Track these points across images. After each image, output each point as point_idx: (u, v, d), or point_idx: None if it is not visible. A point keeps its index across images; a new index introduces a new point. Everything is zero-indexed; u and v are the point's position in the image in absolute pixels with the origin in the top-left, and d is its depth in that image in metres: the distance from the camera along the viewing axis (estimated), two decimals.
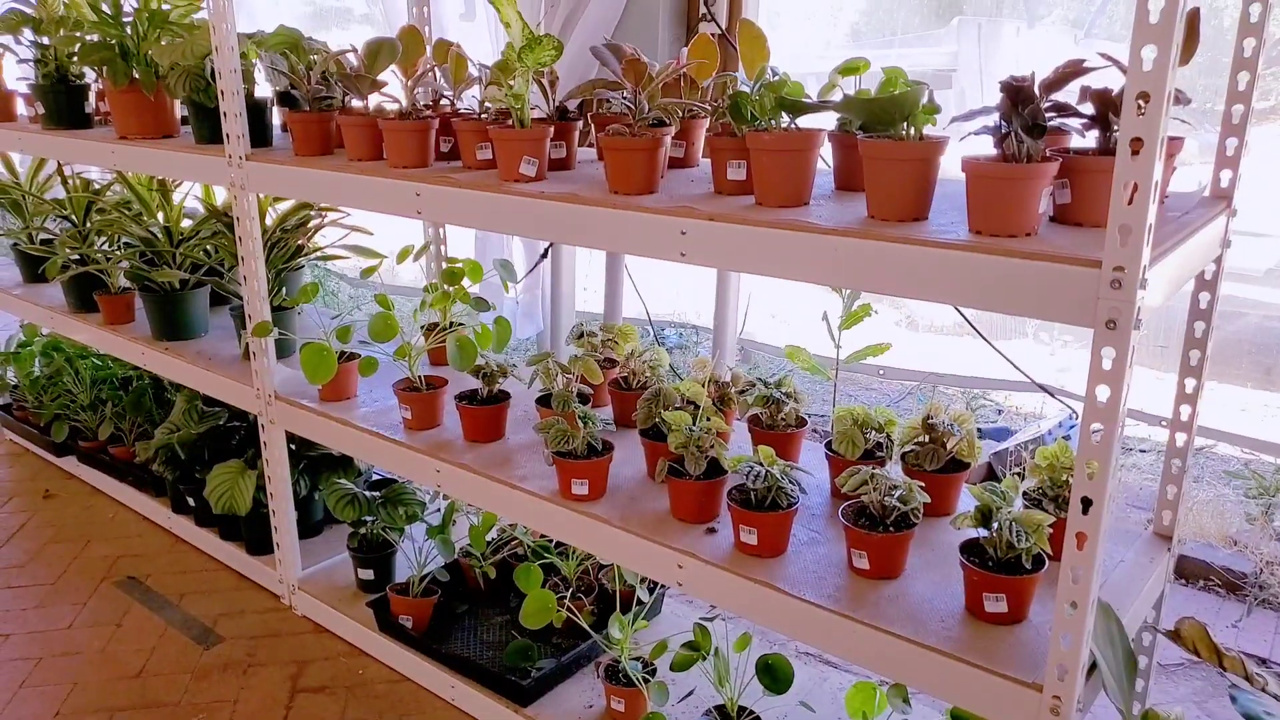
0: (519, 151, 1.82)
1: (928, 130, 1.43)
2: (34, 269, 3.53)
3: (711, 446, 1.78)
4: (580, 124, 2.07)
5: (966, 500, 1.82)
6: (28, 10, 2.93)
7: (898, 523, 1.57)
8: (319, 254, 2.79)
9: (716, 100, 1.97)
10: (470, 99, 2.24)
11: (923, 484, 1.59)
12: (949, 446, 1.78)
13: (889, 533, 1.55)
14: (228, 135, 2.28)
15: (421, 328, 2.65)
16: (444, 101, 2.26)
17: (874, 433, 1.86)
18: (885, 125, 1.41)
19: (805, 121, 1.59)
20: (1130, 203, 1.11)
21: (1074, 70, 1.35)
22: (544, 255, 4.26)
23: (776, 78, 1.55)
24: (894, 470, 1.83)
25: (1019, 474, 1.70)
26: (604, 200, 1.66)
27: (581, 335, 2.35)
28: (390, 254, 2.59)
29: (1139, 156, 1.09)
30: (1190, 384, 1.65)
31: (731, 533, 1.70)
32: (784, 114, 1.55)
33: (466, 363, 2.10)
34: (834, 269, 1.39)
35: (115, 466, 3.23)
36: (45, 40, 2.93)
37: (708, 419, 1.82)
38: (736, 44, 3.36)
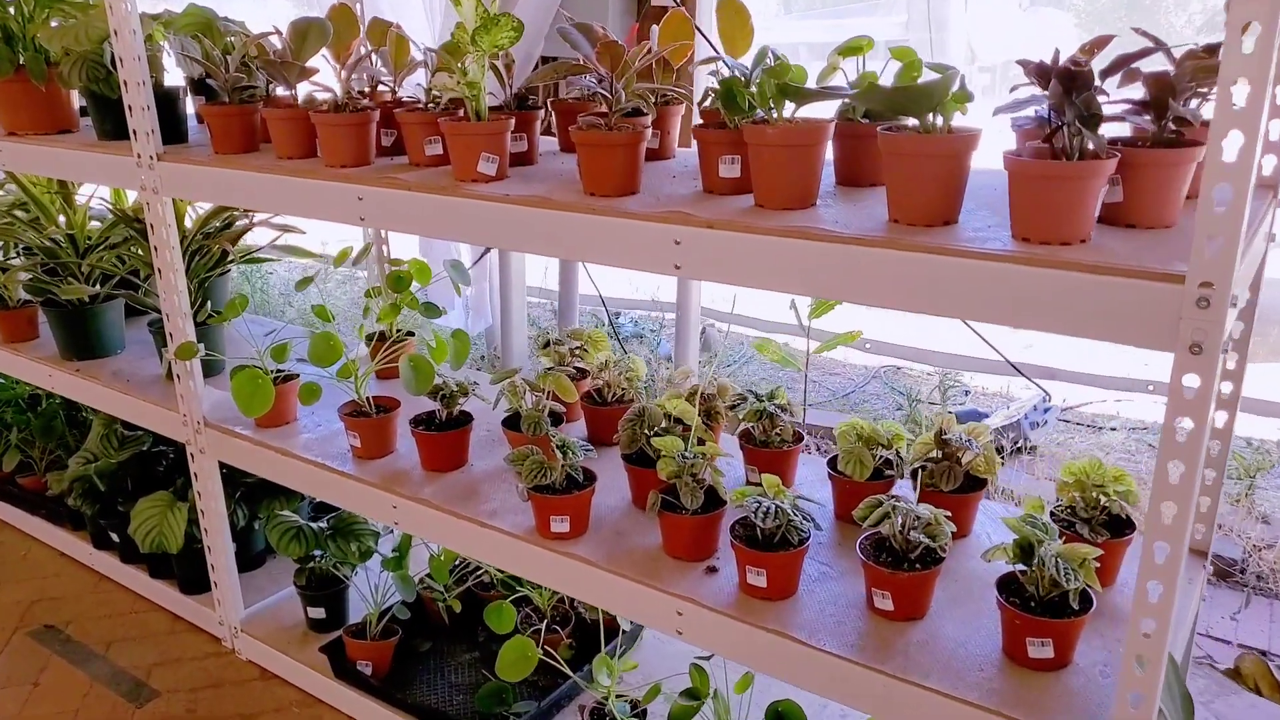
0: (476, 147, 1.59)
1: (957, 120, 1.25)
2: None
3: (707, 475, 1.59)
4: (542, 113, 1.85)
5: (985, 521, 1.67)
6: None
7: (923, 558, 1.41)
8: (246, 257, 2.52)
9: (687, 86, 1.77)
10: (413, 86, 2.00)
11: (948, 513, 1.43)
12: (964, 462, 1.63)
13: (915, 570, 1.39)
14: (135, 132, 2.00)
15: (366, 338, 2.41)
16: (382, 89, 2.02)
17: (881, 449, 1.70)
18: (909, 116, 1.23)
19: (804, 111, 1.40)
20: (1220, 206, 0.95)
21: (1136, 54, 1.18)
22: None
23: (776, 61, 1.35)
24: (904, 489, 1.68)
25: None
26: (580, 204, 1.45)
27: (548, 344, 2.14)
28: (323, 249, 2.35)
29: (1236, 152, 0.93)
30: (1227, 388, 1.52)
31: (735, 572, 1.53)
32: (787, 103, 1.35)
33: (423, 386, 1.88)
34: (857, 284, 1.21)
35: (25, 499, 2.92)
36: None
37: (700, 441, 1.64)
38: (704, 21, 3.16)
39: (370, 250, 2.45)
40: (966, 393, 3.98)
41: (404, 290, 2.27)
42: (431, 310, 2.37)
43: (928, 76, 1.26)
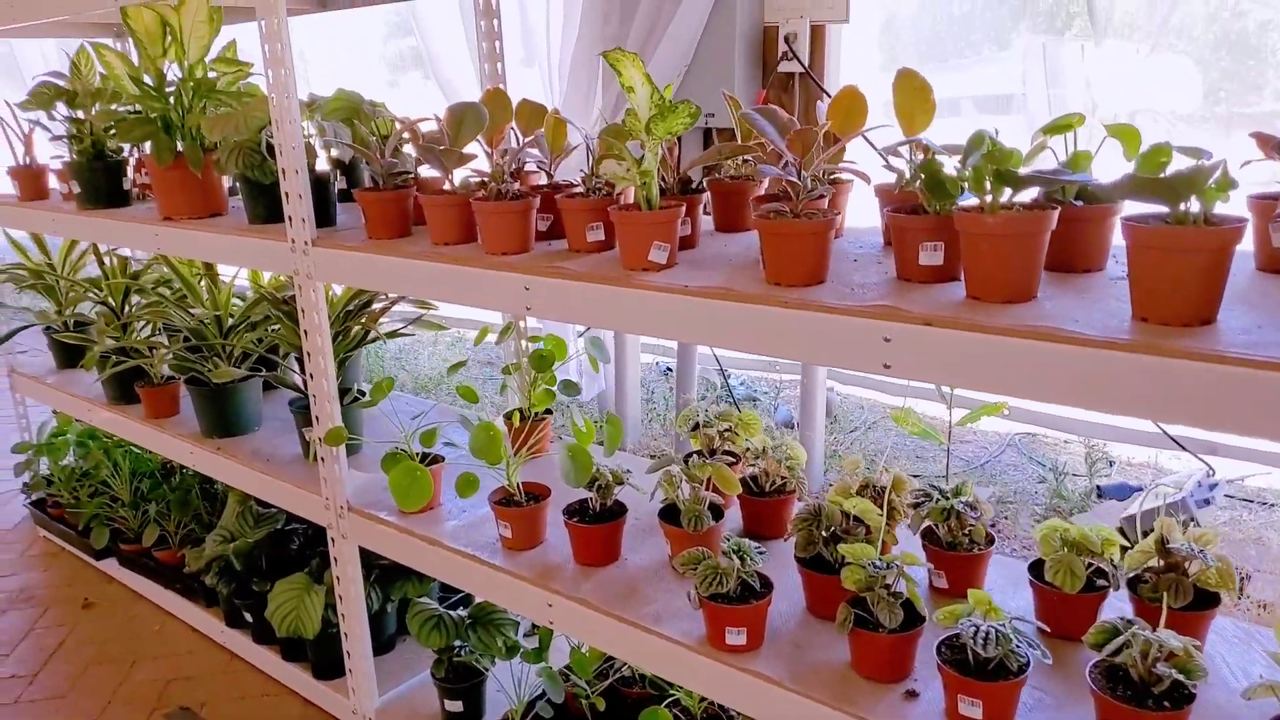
0: (648, 236, 1.52)
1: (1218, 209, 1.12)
2: (69, 355, 3.28)
3: (902, 586, 1.46)
4: (705, 197, 1.78)
5: (1218, 641, 1.49)
6: (61, 83, 2.68)
7: (1171, 694, 1.24)
8: (390, 334, 2.50)
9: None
10: (568, 169, 1.97)
11: (1197, 644, 1.27)
12: (1191, 574, 1.46)
13: (1164, 710, 1.23)
14: (290, 218, 2.00)
15: (505, 417, 2.36)
16: (528, 168, 1.98)
17: (1089, 555, 1.54)
18: (1163, 204, 1.11)
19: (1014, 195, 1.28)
20: None
21: None
22: None
23: (994, 145, 1.25)
24: (1122, 604, 1.52)
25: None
26: (768, 296, 1.35)
27: (697, 427, 2.04)
28: (452, 320, 2.31)
29: None
30: None
31: (939, 697, 1.39)
32: (1005, 189, 1.24)
33: (582, 478, 1.80)
34: (1104, 391, 1.08)
35: (161, 572, 2.94)
36: (80, 114, 2.68)
37: (880, 542, 1.51)
38: (830, 84, 3.08)
39: (511, 329, 2.40)
40: (1111, 464, 3.73)
41: (547, 370, 2.21)
42: (571, 388, 2.31)
43: (1179, 161, 1.14)
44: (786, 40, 3.02)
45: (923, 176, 1.32)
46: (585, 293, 1.54)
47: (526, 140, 1.86)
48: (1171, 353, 1.03)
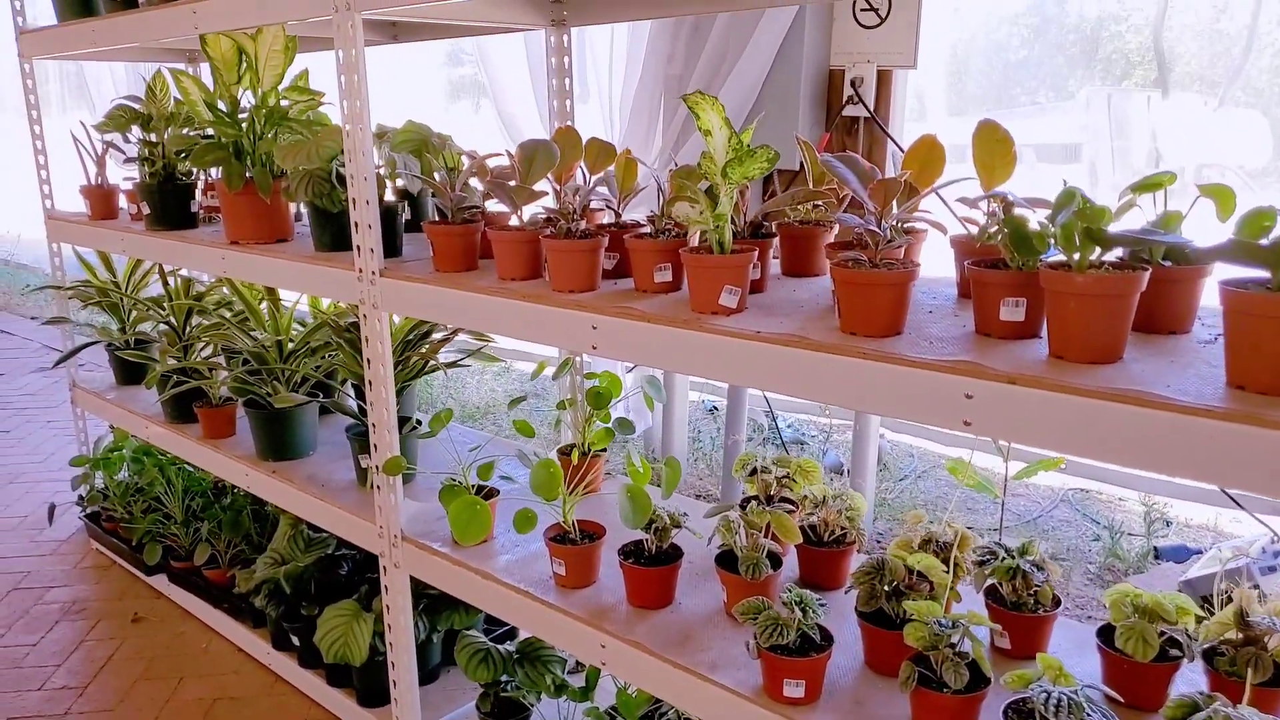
0: (720, 280, 1.52)
1: None
2: (130, 372, 3.34)
3: (967, 645, 1.42)
4: (775, 241, 1.78)
5: None
6: (136, 107, 2.76)
7: None
8: (450, 365, 2.52)
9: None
10: (634, 206, 1.98)
11: None
12: (1270, 648, 1.40)
13: None
14: (358, 248, 2.03)
15: (559, 452, 2.36)
16: (593, 205, 1.99)
17: (1163, 623, 1.49)
18: (1268, 270, 1.08)
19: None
20: None
21: None
22: None
23: (1085, 202, 1.23)
24: (1195, 675, 1.46)
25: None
26: (844, 346, 1.34)
27: (754, 472, 2.02)
28: (502, 352, 2.32)
29: None
30: None
31: None
32: (1094, 247, 1.22)
33: (640, 520, 1.79)
34: (1196, 460, 1.05)
35: (209, 591, 2.96)
36: (153, 138, 2.76)
37: (942, 599, 1.47)
38: (895, 128, 3.07)
39: (569, 364, 2.41)
40: (1168, 524, 3.63)
41: (604, 407, 2.21)
42: (626, 426, 2.30)
43: None
44: (853, 84, 3.02)
45: (1006, 231, 1.30)
46: (655, 334, 1.54)
47: (596, 178, 1.87)
48: (1274, 424, 1.00)
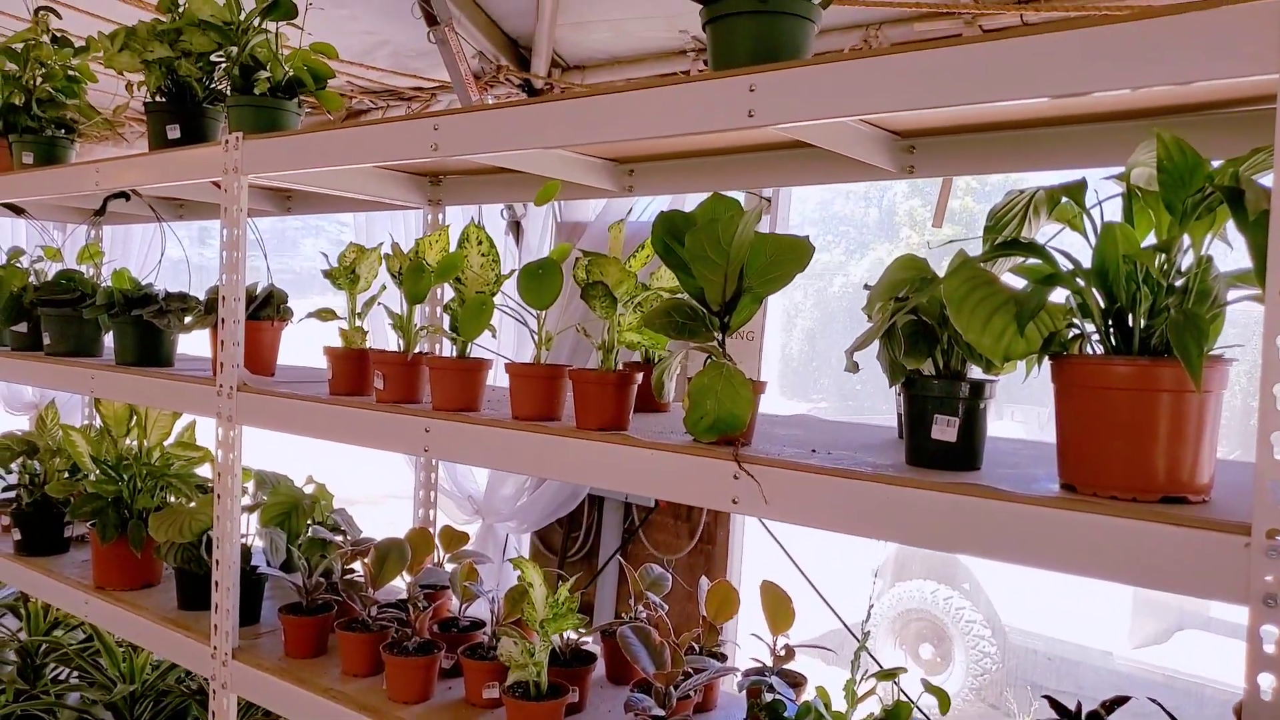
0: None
1: None
2: None
3: None
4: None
5: None
6: (24, 440, 2.90)
7: None
8: None
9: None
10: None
11: None
12: None
13: None
14: (216, 606, 2.13)
15: None
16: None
17: None
18: None
19: None
20: None
21: None
22: None
23: None
24: None
25: None
26: None
27: None
28: None
29: None
30: None
31: None
32: None
33: None
34: None
35: None
36: (38, 466, 2.87)
37: None
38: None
39: None
40: None
41: None
42: None
43: None
44: None
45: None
46: None
47: (441, 587, 2.08)
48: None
